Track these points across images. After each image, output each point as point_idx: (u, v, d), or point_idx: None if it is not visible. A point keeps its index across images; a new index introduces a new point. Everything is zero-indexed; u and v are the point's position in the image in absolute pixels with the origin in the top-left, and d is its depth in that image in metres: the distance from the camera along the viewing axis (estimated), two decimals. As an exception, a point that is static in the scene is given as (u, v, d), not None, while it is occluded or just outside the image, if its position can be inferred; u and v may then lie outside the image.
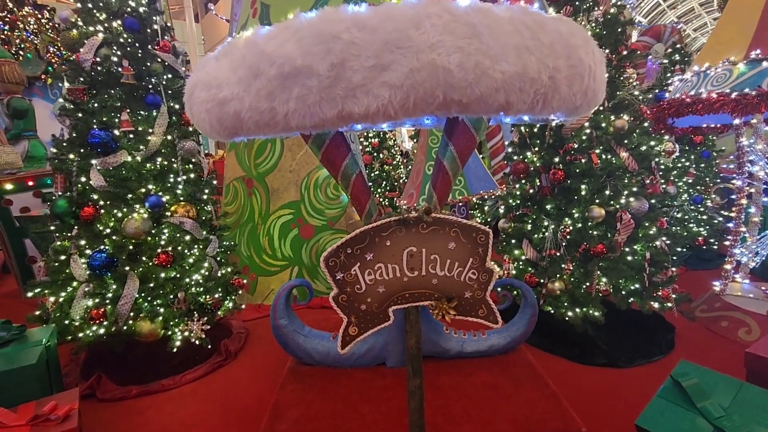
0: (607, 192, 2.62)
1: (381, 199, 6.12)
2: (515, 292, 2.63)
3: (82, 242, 2.44)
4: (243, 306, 3.06)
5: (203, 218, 2.88)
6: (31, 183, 4.44)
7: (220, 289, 2.85)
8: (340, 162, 2.45)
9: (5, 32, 8.71)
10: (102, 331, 2.37)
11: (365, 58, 1.33)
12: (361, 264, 1.27)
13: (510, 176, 3.13)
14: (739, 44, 2.65)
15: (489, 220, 5.38)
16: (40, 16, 9.15)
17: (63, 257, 2.49)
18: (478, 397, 2.04)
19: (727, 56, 2.65)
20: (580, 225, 2.66)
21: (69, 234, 2.50)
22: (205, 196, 2.93)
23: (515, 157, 3.01)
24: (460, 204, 3.93)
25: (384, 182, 6.20)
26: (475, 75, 1.36)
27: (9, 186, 4.30)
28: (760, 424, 1.39)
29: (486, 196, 3.98)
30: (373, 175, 6.28)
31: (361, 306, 1.30)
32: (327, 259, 1.26)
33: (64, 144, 2.51)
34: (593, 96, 1.56)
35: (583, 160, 2.63)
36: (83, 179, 2.48)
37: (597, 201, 2.61)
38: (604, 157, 2.62)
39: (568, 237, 2.67)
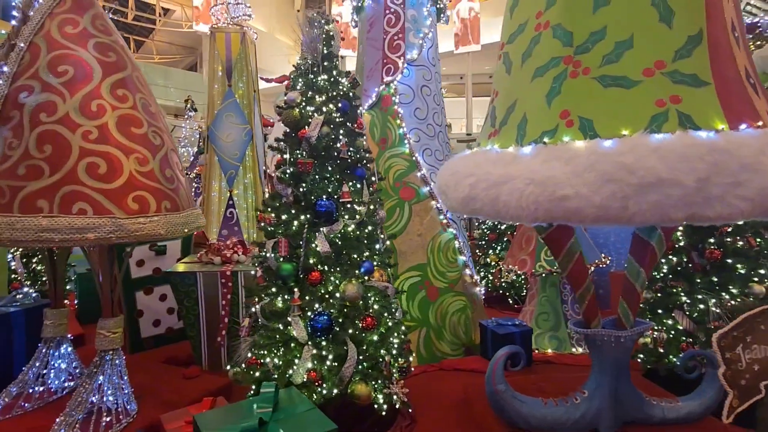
0: (762, 271, 2.98)
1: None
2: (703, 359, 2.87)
3: (314, 305, 2.59)
4: (413, 369, 3.16)
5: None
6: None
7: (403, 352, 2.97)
8: (566, 242, 2.74)
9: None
10: (333, 392, 2.46)
11: (725, 176, 1.68)
12: (743, 345, 1.51)
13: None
14: None
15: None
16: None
17: (283, 319, 2.61)
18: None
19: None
20: (738, 300, 2.98)
21: (290, 296, 2.64)
22: (388, 261, 3.13)
23: (661, 235, 3.37)
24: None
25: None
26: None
27: (132, 238, 4.38)
28: None
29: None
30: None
31: (741, 381, 1.53)
32: (719, 339, 1.50)
33: (293, 211, 2.72)
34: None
35: (739, 243, 3.01)
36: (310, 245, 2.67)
37: (755, 279, 2.96)
38: (757, 240, 3.01)
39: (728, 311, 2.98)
